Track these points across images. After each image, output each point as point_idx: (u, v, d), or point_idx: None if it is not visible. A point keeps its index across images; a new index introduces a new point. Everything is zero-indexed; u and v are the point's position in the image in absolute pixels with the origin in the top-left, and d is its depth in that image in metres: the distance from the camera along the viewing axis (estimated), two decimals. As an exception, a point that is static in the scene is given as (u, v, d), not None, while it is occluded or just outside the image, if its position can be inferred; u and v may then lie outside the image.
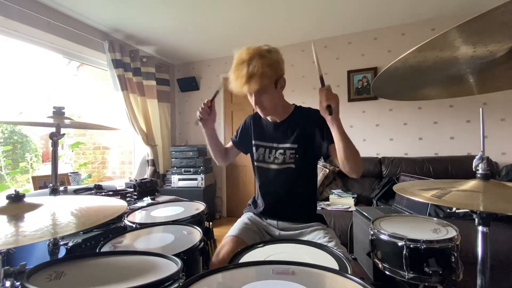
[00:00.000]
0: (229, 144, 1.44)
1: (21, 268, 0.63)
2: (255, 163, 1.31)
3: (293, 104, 1.31)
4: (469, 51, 0.58)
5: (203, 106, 1.23)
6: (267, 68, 1.04)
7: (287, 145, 1.22)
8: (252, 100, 1.15)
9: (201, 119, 1.24)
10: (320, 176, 2.91)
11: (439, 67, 0.67)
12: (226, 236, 1.18)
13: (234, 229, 1.22)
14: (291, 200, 1.23)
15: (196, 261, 0.96)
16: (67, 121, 1.07)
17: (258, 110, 1.20)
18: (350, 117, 3.36)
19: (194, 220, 1.23)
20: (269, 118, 1.29)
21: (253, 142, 1.32)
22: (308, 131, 1.19)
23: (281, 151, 1.23)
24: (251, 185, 3.95)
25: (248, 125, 1.37)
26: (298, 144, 1.20)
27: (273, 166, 1.25)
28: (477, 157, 0.80)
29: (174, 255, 0.78)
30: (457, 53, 0.59)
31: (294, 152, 1.20)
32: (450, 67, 0.67)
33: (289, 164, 1.21)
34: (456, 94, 0.94)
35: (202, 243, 0.97)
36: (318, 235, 1.14)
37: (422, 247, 0.98)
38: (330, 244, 1.02)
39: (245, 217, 1.31)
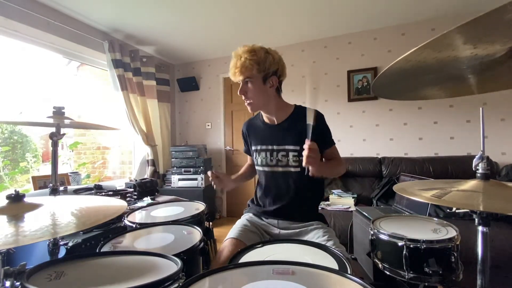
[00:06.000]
0: (249, 158, 1.47)
1: (21, 268, 0.63)
2: (259, 168, 1.31)
3: (294, 104, 1.30)
4: (469, 51, 0.58)
5: (213, 181, 1.27)
6: (251, 62, 1.14)
7: (288, 146, 1.21)
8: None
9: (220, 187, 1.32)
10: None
11: (439, 67, 0.67)
12: (225, 239, 1.18)
13: (233, 231, 1.21)
14: (296, 202, 1.23)
15: (196, 261, 0.96)
16: (67, 121, 1.07)
17: (246, 104, 1.24)
18: (350, 117, 3.36)
19: (194, 220, 1.23)
20: (266, 120, 1.29)
21: (252, 148, 1.33)
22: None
23: (283, 153, 1.22)
24: (251, 185, 3.94)
25: (245, 133, 1.39)
26: (301, 146, 1.19)
27: (278, 169, 1.24)
28: (477, 157, 0.80)
29: (174, 255, 0.78)
30: (457, 53, 0.59)
31: (297, 154, 1.20)
32: (450, 67, 0.67)
33: (293, 167, 1.21)
34: (456, 94, 0.94)
35: (202, 243, 0.97)
36: (317, 234, 1.14)
37: (422, 247, 0.98)
38: (329, 243, 1.02)
39: (244, 219, 1.31)
